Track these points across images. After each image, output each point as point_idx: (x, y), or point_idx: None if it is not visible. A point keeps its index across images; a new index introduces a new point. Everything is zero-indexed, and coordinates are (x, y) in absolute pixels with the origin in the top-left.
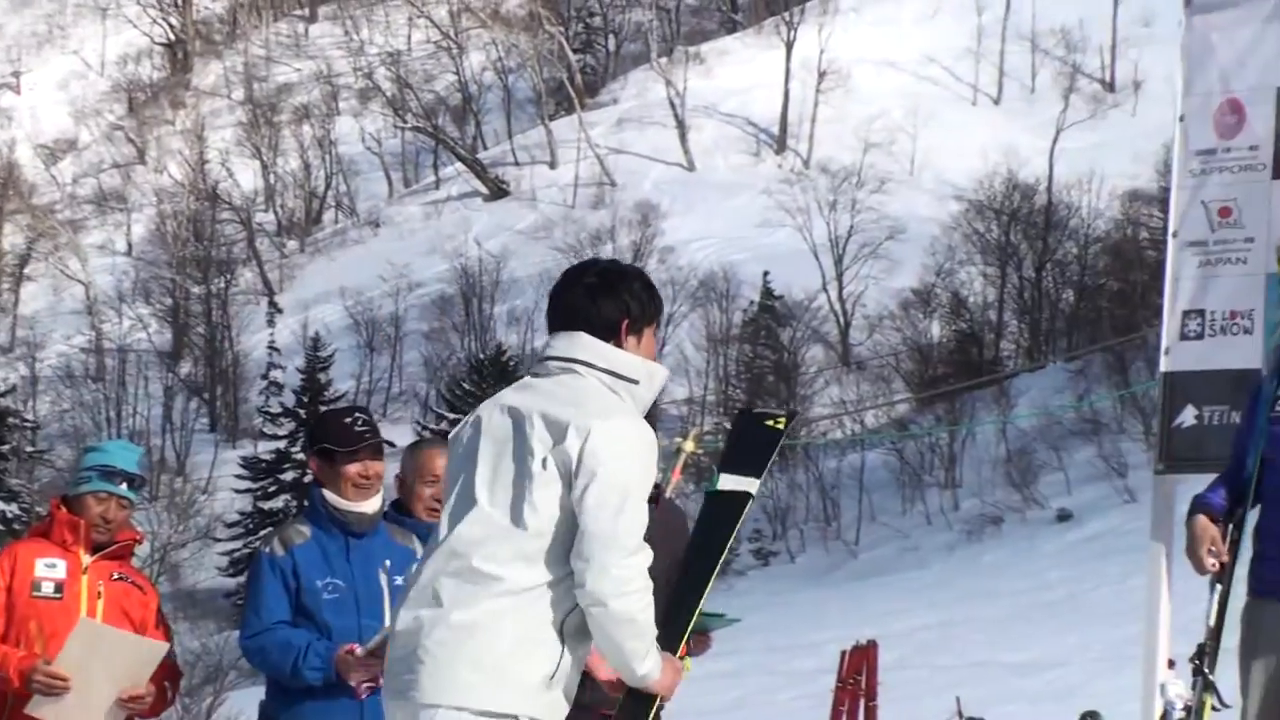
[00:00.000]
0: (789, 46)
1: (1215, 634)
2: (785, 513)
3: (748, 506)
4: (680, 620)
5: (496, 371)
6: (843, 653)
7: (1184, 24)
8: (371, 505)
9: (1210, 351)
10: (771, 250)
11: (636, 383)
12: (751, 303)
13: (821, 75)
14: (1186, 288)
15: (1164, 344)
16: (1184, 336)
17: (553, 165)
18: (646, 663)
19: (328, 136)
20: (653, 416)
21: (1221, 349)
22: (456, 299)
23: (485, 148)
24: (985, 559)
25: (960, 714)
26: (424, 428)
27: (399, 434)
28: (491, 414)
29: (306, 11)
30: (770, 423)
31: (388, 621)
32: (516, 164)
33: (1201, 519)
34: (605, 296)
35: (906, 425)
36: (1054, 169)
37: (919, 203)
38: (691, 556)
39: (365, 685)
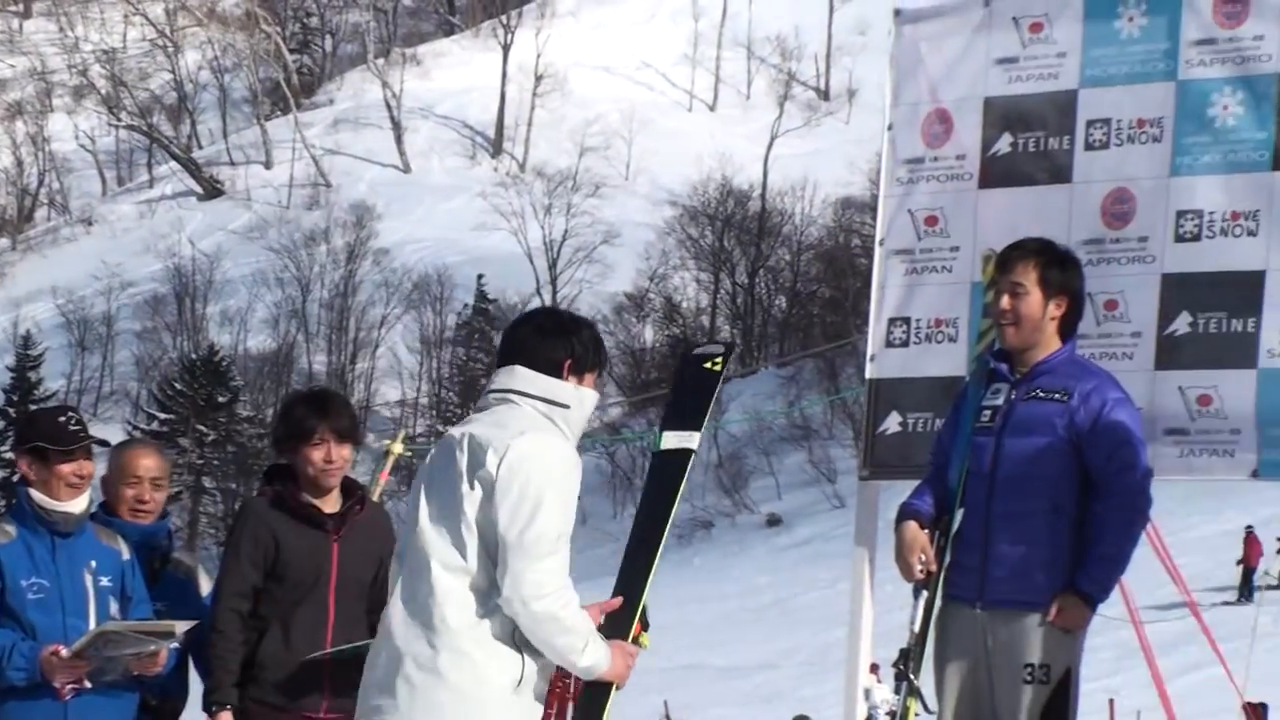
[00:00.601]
0: (506, 50)
1: (920, 639)
2: None
3: (690, 463)
4: (631, 599)
5: (209, 371)
6: None
7: (894, 33)
8: (79, 505)
9: (915, 359)
10: (486, 253)
11: (568, 407)
12: (466, 305)
13: (538, 79)
14: (893, 295)
15: (870, 351)
16: (890, 344)
17: (268, 165)
18: (586, 655)
19: (41, 133)
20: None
21: (926, 357)
22: (169, 298)
23: (200, 147)
24: (695, 563)
25: (668, 717)
26: (135, 427)
27: (110, 433)
28: (436, 448)
29: (20, 7)
30: (708, 365)
31: (93, 623)
32: (231, 163)
33: (911, 526)
34: (554, 336)
35: (619, 429)
36: (768, 176)
37: (634, 207)
38: (641, 521)
39: (69, 686)
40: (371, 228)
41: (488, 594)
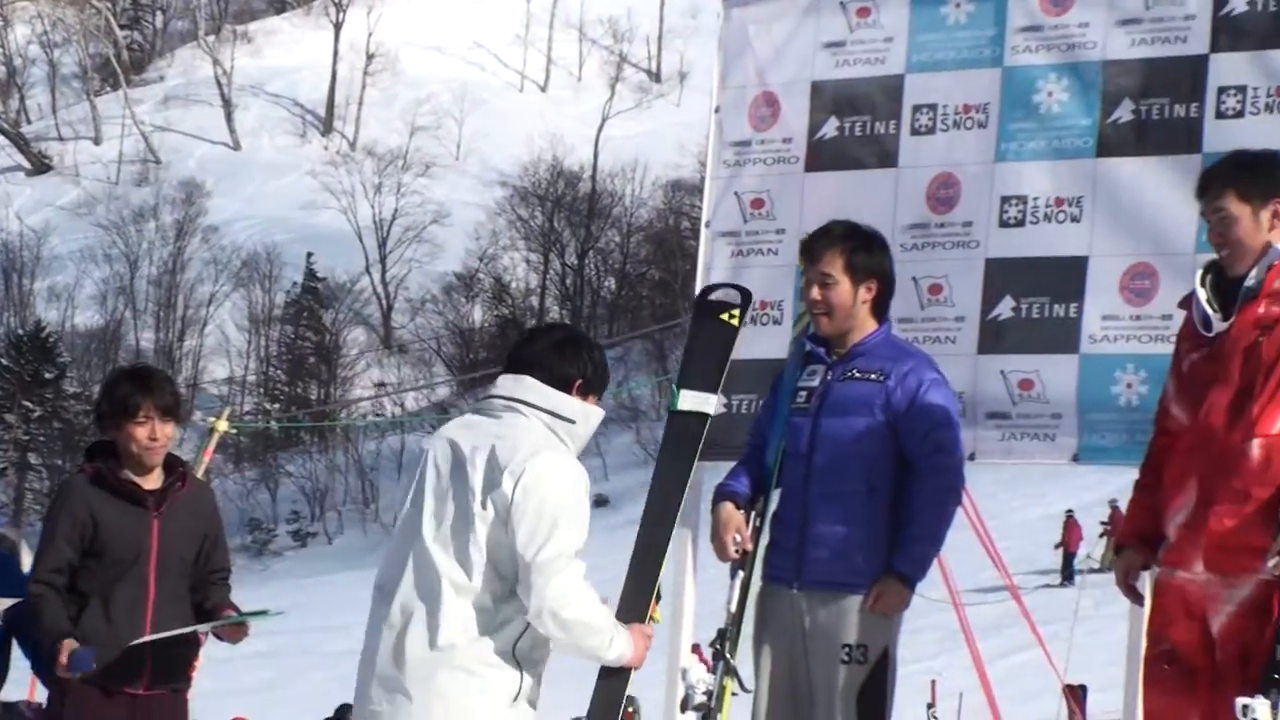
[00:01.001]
0: (337, 28)
1: (736, 619)
2: (324, 494)
3: (706, 427)
4: (647, 576)
5: (36, 347)
6: None
7: (722, 16)
8: None
9: (740, 341)
10: (316, 232)
11: (574, 422)
12: (295, 284)
13: (369, 57)
14: (719, 278)
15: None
16: None
17: (97, 141)
18: (612, 650)
19: None
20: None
21: (752, 339)
22: None
23: (29, 122)
24: None
25: None
26: None
27: None
28: (437, 447)
29: None
30: (725, 316)
31: None
32: (60, 139)
33: (726, 506)
34: (570, 354)
35: (447, 409)
36: (599, 157)
37: (464, 187)
38: (656, 490)
39: None
40: (201, 205)
41: (492, 612)
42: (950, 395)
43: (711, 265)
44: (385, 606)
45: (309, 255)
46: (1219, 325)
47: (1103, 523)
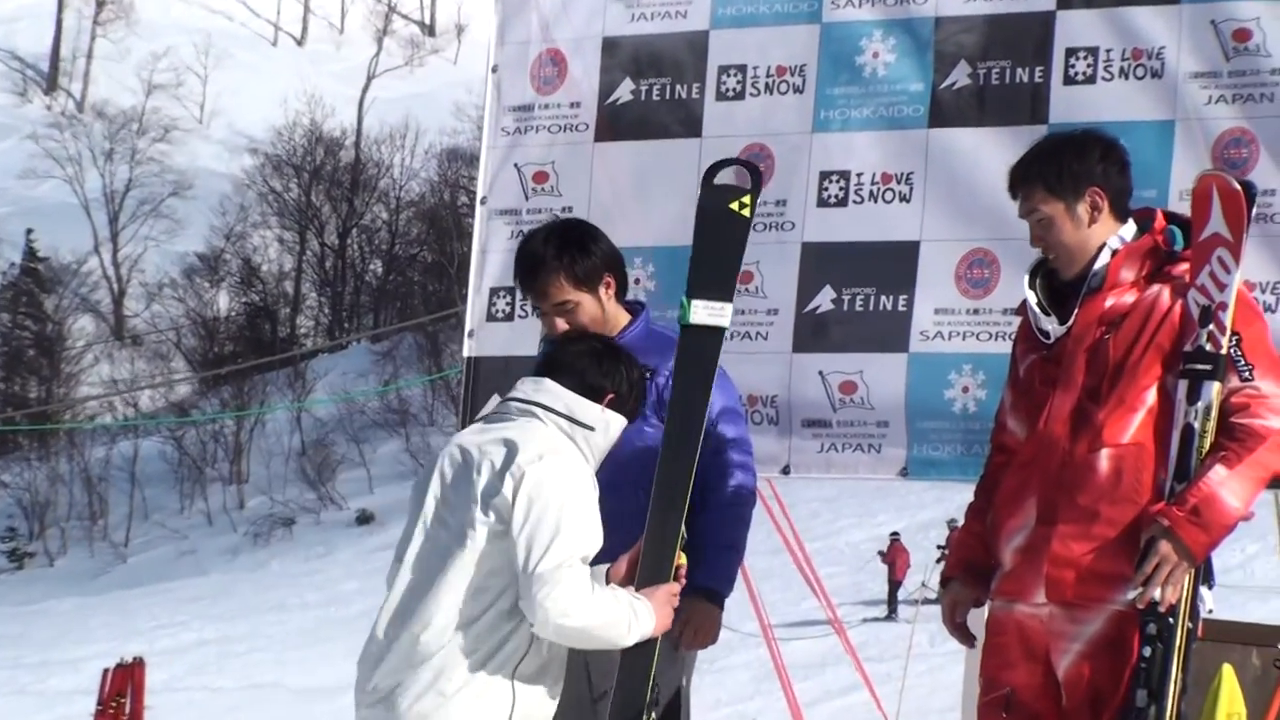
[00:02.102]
0: None
1: None
2: (44, 508)
3: (722, 340)
4: (668, 528)
5: None
6: (105, 671)
7: None
8: None
9: (521, 335)
10: (37, 205)
11: (593, 429)
12: (12, 264)
13: (100, 5)
14: (496, 262)
15: (469, 325)
16: (491, 317)
17: None
18: (633, 632)
19: None
20: None
21: (533, 333)
22: None
23: None
24: (273, 567)
25: None
26: None
27: None
28: (446, 453)
29: None
30: (735, 206)
31: None
32: None
33: None
34: (607, 365)
35: (188, 410)
36: (364, 121)
37: (209, 155)
38: (672, 424)
39: None
40: None
41: (488, 628)
42: (729, 386)
43: (488, 247)
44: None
45: (28, 232)
46: (1057, 329)
47: (939, 546)
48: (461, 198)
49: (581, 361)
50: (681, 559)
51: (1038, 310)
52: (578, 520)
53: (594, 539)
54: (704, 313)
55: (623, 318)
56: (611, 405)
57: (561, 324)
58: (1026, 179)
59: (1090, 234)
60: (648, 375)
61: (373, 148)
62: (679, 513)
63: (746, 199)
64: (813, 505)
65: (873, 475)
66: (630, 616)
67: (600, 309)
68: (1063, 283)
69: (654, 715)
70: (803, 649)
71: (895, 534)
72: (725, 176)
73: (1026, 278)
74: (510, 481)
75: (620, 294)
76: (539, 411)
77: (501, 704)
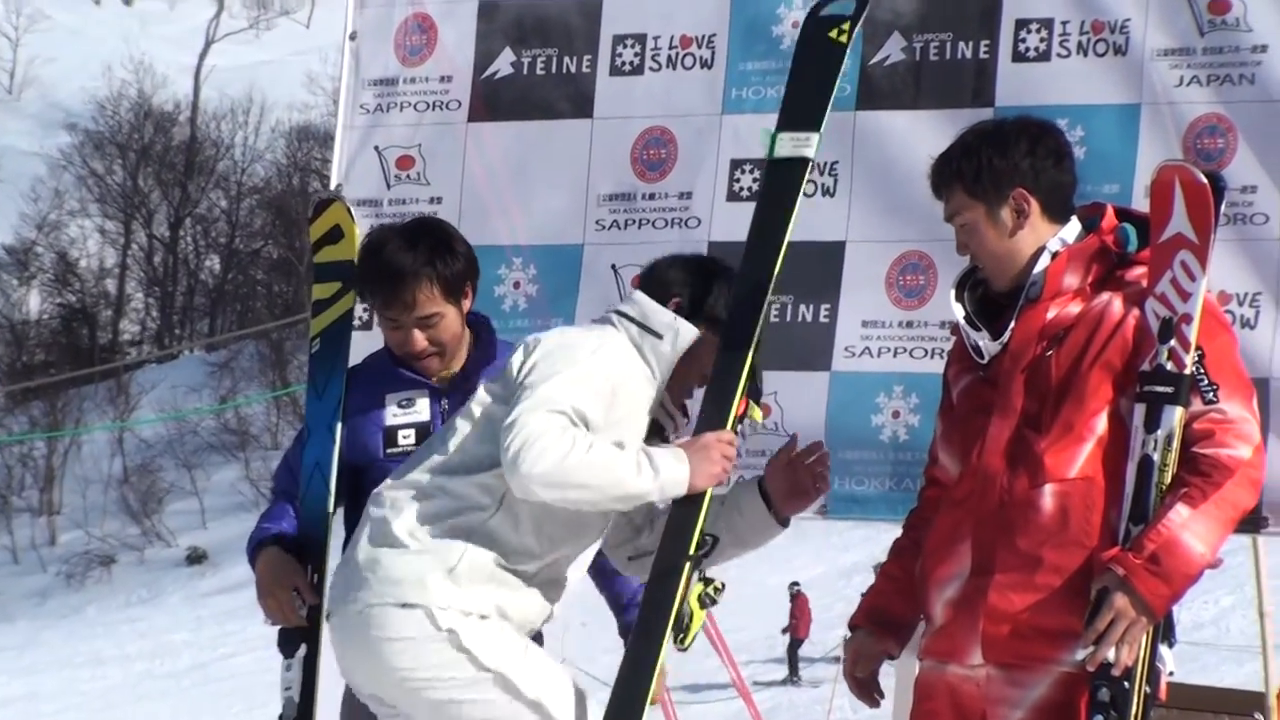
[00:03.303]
0: None
1: (305, 711)
2: None
3: (806, 174)
4: (733, 368)
5: None
6: None
7: None
8: None
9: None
10: None
11: (660, 337)
12: None
13: None
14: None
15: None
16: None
17: None
18: (641, 480)
19: None
20: None
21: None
22: None
23: None
24: (89, 612)
25: None
26: None
27: None
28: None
29: None
30: (833, 34)
31: None
32: None
33: (275, 553)
34: (691, 273)
35: None
36: (200, 94)
37: (18, 132)
38: (748, 261)
39: None
40: None
41: (456, 503)
42: None
43: None
44: None
45: None
46: (991, 347)
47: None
48: (314, 183)
49: (667, 269)
50: (757, 412)
51: (966, 326)
52: (580, 373)
53: (594, 405)
54: (789, 145)
55: (468, 332)
56: (679, 312)
57: (421, 340)
58: (946, 178)
59: (1017, 241)
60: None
61: (210, 124)
62: (745, 351)
63: (846, 25)
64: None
65: None
66: (630, 465)
67: (461, 322)
68: (998, 293)
69: (700, 571)
70: (707, 714)
71: (796, 585)
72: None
73: (954, 289)
74: (522, 351)
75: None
76: (614, 318)
77: (449, 552)
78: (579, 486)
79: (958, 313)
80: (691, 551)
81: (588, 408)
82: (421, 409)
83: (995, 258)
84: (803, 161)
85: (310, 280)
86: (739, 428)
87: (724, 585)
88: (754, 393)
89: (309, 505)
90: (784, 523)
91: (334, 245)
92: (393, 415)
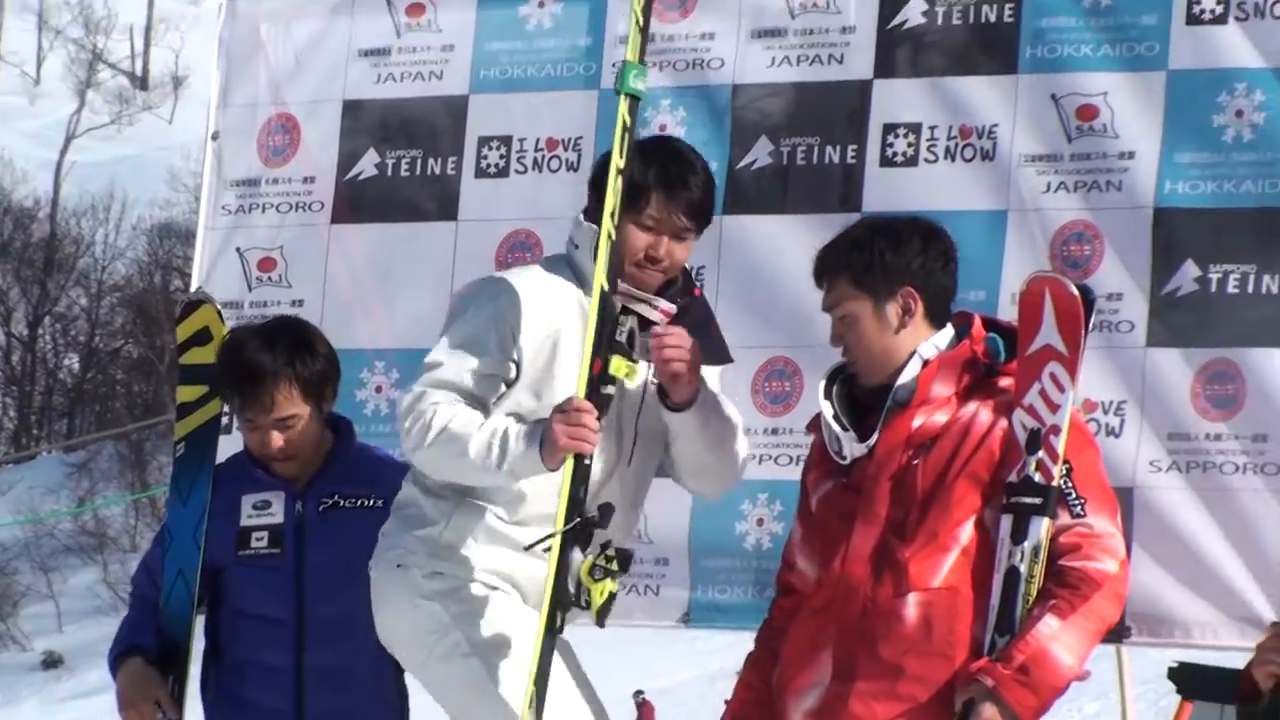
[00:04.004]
0: None
1: None
2: None
3: None
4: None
5: None
6: None
7: (225, 9)
8: None
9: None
10: None
11: (578, 246)
12: None
13: None
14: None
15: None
16: None
17: None
18: (486, 470)
19: None
20: None
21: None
22: None
23: None
24: None
25: None
26: None
27: None
28: None
29: None
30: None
31: None
32: None
33: (137, 664)
34: (591, 185)
35: None
36: (60, 189)
37: None
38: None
39: None
40: None
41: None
42: None
43: None
44: None
45: None
46: (856, 449)
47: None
48: (175, 282)
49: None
50: (621, 367)
51: (835, 425)
52: (462, 342)
53: (479, 359)
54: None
55: (328, 438)
56: (586, 215)
57: (278, 440)
58: (832, 267)
59: (898, 340)
60: (371, 502)
61: (71, 220)
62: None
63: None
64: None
65: (650, 622)
66: (484, 446)
67: (320, 424)
68: (865, 392)
69: (599, 544)
70: None
71: (640, 694)
72: None
73: (822, 384)
74: None
75: (326, 407)
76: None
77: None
78: (443, 473)
79: (825, 410)
80: (560, 526)
81: (468, 365)
82: (276, 511)
83: (872, 354)
84: None
85: (173, 381)
86: (607, 389)
87: (623, 553)
88: (618, 348)
89: (171, 613)
90: (677, 409)
91: (202, 347)
92: (247, 516)
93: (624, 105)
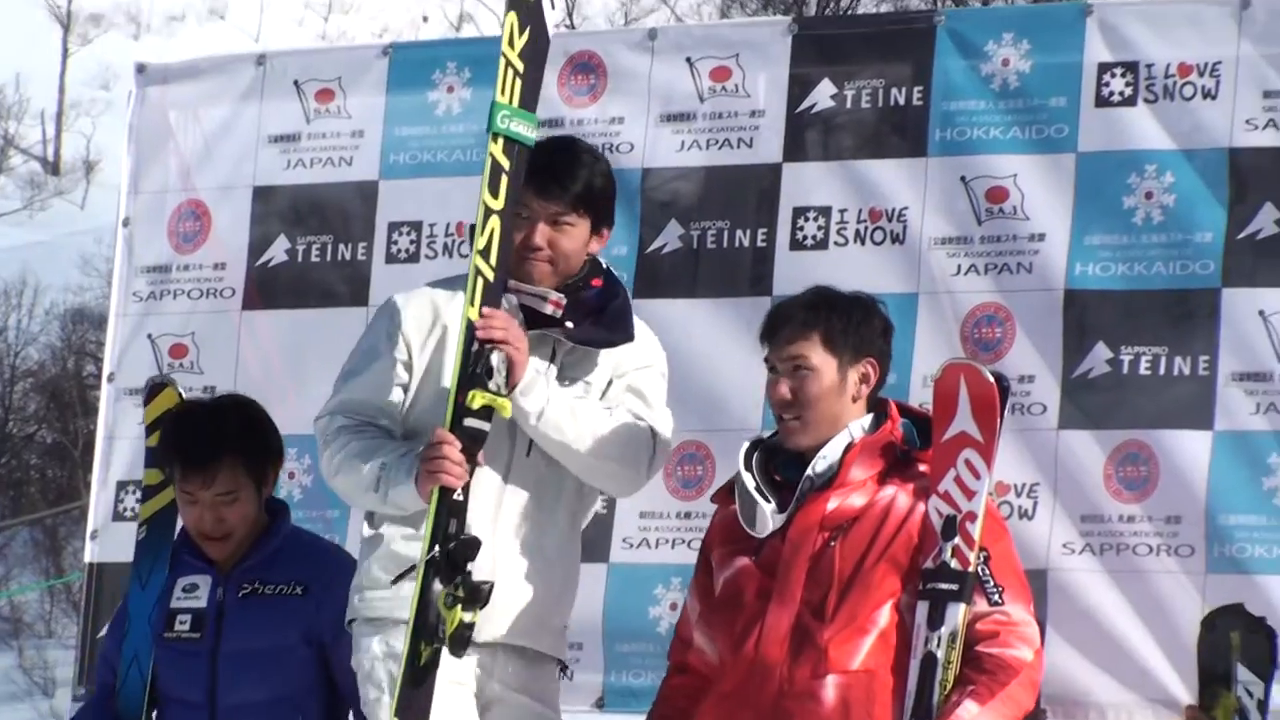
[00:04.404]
0: None
1: None
2: None
3: None
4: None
5: None
6: None
7: (135, 97)
8: None
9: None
10: None
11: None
12: None
13: None
14: (126, 450)
15: (92, 525)
16: (119, 516)
17: None
18: (375, 499)
19: None
20: None
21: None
22: None
23: None
24: None
25: None
26: None
27: None
28: None
29: None
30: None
31: None
32: None
33: None
34: None
35: None
36: None
37: None
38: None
39: None
40: None
41: None
42: None
43: (115, 433)
44: None
45: None
46: (774, 522)
47: None
48: (89, 367)
49: None
50: (501, 402)
51: (756, 495)
52: (355, 362)
53: (365, 378)
54: None
55: (262, 518)
56: None
57: (212, 517)
58: (798, 322)
59: (846, 410)
60: (293, 590)
61: None
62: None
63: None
64: None
65: (565, 706)
66: (372, 480)
67: (258, 506)
68: (781, 464)
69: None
70: None
71: None
72: None
73: (742, 453)
74: None
75: (269, 490)
76: None
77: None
78: (356, 502)
79: (747, 481)
80: (422, 556)
81: (369, 379)
82: (201, 595)
83: (820, 412)
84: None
85: (86, 466)
86: (473, 422)
87: (476, 585)
88: (477, 381)
89: (125, 700)
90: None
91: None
92: (176, 598)
93: (495, 146)
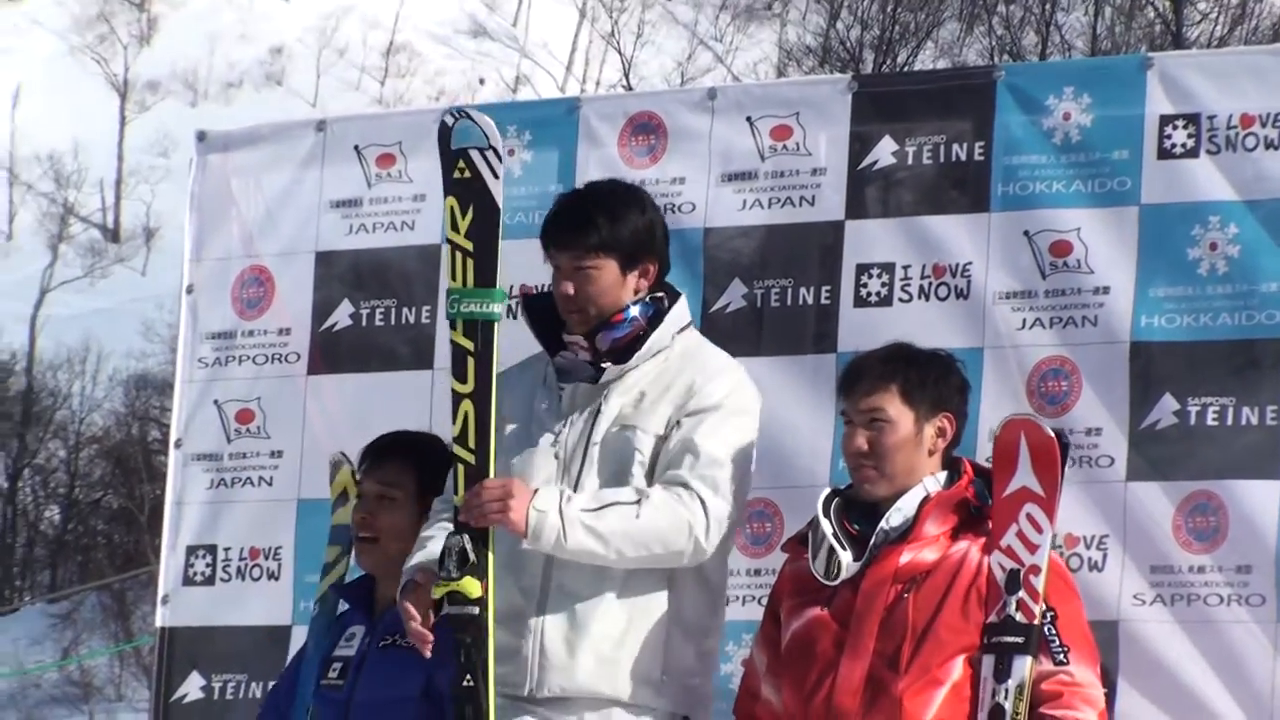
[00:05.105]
0: None
1: None
2: None
3: None
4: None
5: None
6: None
7: (196, 164)
8: None
9: (224, 602)
10: None
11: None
12: None
13: None
14: (194, 515)
15: (162, 589)
16: (190, 580)
17: None
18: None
19: None
20: None
21: (239, 599)
22: None
23: None
24: None
25: None
26: None
27: None
28: None
29: None
30: None
31: None
32: None
33: None
34: None
35: None
36: (36, 343)
37: None
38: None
39: None
40: None
41: None
42: None
43: (184, 498)
44: None
45: None
46: (849, 568)
47: None
48: (153, 432)
49: None
50: (440, 589)
51: (835, 543)
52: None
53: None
54: None
55: None
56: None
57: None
58: (876, 375)
59: (922, 463)
60: None
61: (47, 374)
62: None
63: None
64: None
65: None
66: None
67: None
68: (856, 515)
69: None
70: None
71: None
72: None
73: (821, 501)
74: None
75: None
76: None
77: None
78: None
79: (826, 528)
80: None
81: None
82: (354, 643)
83: (896, 464)
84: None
85: (154, 530)
86: (447, 610)
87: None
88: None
89: None
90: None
91: (344, 508)
92: (339, 646)
93: (455, 332)
